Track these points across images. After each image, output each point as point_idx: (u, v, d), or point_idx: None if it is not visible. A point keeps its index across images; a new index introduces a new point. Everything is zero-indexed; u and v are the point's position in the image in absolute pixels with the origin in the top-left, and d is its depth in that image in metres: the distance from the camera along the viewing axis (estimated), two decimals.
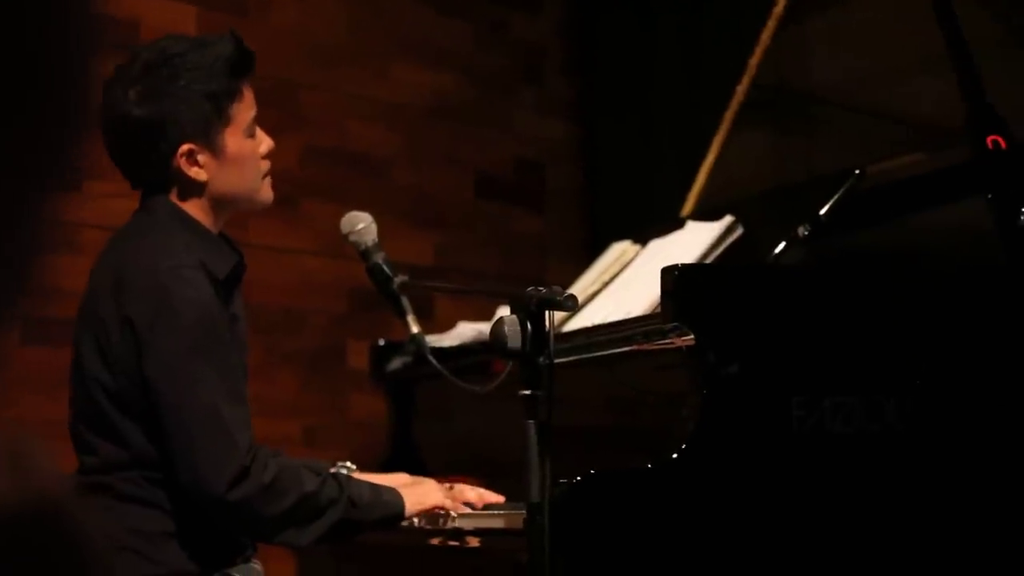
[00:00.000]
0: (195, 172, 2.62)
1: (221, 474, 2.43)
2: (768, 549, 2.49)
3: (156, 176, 2.64)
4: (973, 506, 2.66)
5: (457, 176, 5.03)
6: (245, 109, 2.67)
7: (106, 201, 3.99)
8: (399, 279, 2.82)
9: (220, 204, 2.67)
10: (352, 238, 2.86)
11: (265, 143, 2.72)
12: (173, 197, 2.65)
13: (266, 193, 2.75)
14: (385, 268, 2.83)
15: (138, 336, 2.48)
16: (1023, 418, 2.70)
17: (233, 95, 2.65)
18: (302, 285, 4.51)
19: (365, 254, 2.85)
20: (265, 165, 2.72)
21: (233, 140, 2.65)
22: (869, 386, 2.61)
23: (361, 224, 2.86)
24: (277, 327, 4.37)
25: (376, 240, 2.85)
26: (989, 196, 2.86)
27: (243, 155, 2.67)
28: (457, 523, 2.67)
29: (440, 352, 3.06)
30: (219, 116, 2.63)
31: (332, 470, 2.75)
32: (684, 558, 2.43)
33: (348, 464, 2.87)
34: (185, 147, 2.60)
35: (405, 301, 2.84)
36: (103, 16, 4.09)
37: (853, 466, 2.58)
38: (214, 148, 2.63)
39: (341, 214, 2.89)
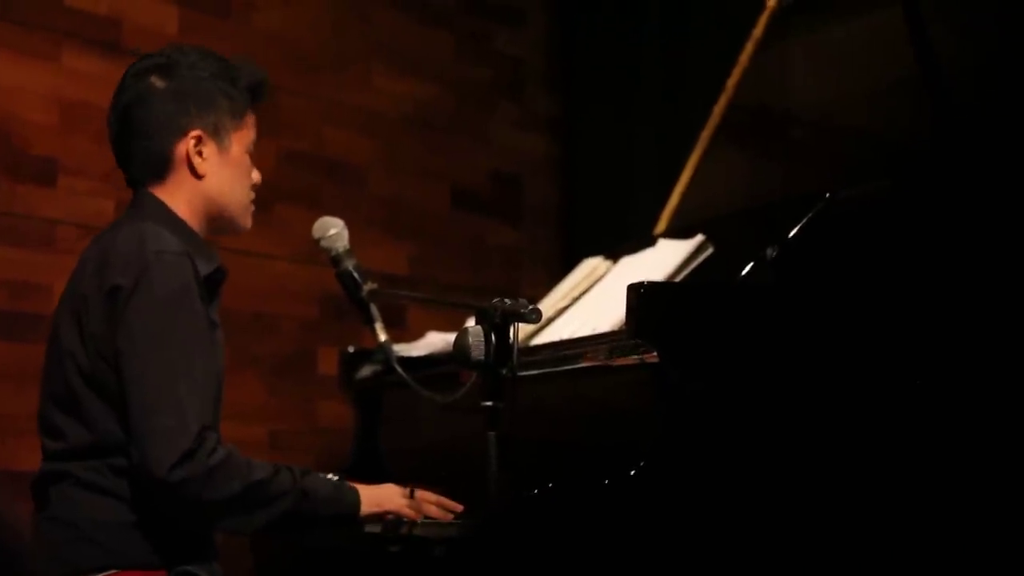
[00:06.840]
0: (198, 161, 2.66)
1: (165, 453, 2.41)
2: (723, 567, 2.50)
3: (156, 162, 2.66)
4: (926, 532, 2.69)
5: (434, 187, 5.03)
6: (251, 128, 2.75)
7: (80, 198, 3.99)
8: (368, 286, 2.83)
9: (208, 207, 2.69)
10: (323, 243, 2.88)
11: (256, 173, 2.78)
12: (164, 192, 2.66)
13: (248, 218, 2.78)
14: (355, 275, 2.84)
15: (117, 308, 2.49)
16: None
17: (245, 110, 2.73)
18: (274, 290, 4.50)
19: (336, 260, 2.87)
20: (252, 192, 2.77)
21: (238, 146, 2.72)
22: (830, 405, 2.63)
23: (333, 230, 2.87)
24: (248, 331, 4.36)
25: (347, 246, 2.86)
26: (960, 218, 2.89)
27: (243, 164, 2.73)
28: (416, 531, 2.68)
29: (408, 361, 3.07)
30: (231, 116, 2.69)
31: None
32: (637, 574, 2.44)
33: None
34: (195, 132, 2.65)
35: (374, 309, 2.85)
36: (85, 12, 4.09)
37: (813, 483, 2.60)
38: (221, 144, 2.68)
39: (315, 220, 2.90)
